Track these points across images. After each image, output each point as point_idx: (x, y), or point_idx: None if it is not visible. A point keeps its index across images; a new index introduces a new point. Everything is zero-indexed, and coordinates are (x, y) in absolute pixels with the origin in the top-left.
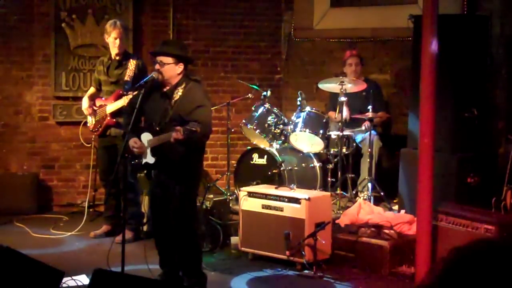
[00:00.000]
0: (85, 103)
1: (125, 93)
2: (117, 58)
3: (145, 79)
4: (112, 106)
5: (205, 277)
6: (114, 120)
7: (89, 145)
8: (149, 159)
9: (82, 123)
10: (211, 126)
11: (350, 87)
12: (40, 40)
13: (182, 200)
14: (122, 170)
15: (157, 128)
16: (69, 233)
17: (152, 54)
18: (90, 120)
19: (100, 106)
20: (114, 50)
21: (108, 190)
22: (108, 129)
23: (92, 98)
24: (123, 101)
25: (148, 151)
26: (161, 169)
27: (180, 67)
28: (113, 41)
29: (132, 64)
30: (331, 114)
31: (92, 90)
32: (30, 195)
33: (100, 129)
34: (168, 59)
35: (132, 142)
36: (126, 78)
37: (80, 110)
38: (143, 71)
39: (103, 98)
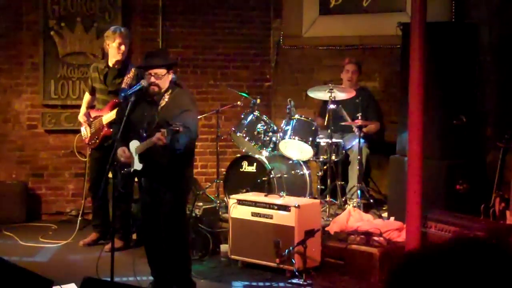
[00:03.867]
0: (82, 110)
1: (121, 100)
2: (116, 66)
3: (134, 89)
4: (108, 115)
5: (195, 285)
6: (112, 130)
7: (85, 159)
8: (137, 166)
9: (77, 136)
10: (197, 131)
11: (339, 95)
12: (28, 48)
13: (172, 206)
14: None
15: (145, 135)
16: (61, 243)
17: (144, 68)
18: (85, 133)
19: (95, 118)
20: (116, 57)
21: (95, 202)
22: (106, 140)
23: (89, 105)
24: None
25: (136, 158)
26: (150, 176)
27: (171, 74)
28: (116, 47)
29: (132, 72)
30: (318, 120)
31: (87, 96)
32: (19, 204)
33: (97, 141)
34: (162, 71)
35: (121, 151)
36: (123, 85)
37: (69, 118)
38: (139, 81)
39: (97, 109)
